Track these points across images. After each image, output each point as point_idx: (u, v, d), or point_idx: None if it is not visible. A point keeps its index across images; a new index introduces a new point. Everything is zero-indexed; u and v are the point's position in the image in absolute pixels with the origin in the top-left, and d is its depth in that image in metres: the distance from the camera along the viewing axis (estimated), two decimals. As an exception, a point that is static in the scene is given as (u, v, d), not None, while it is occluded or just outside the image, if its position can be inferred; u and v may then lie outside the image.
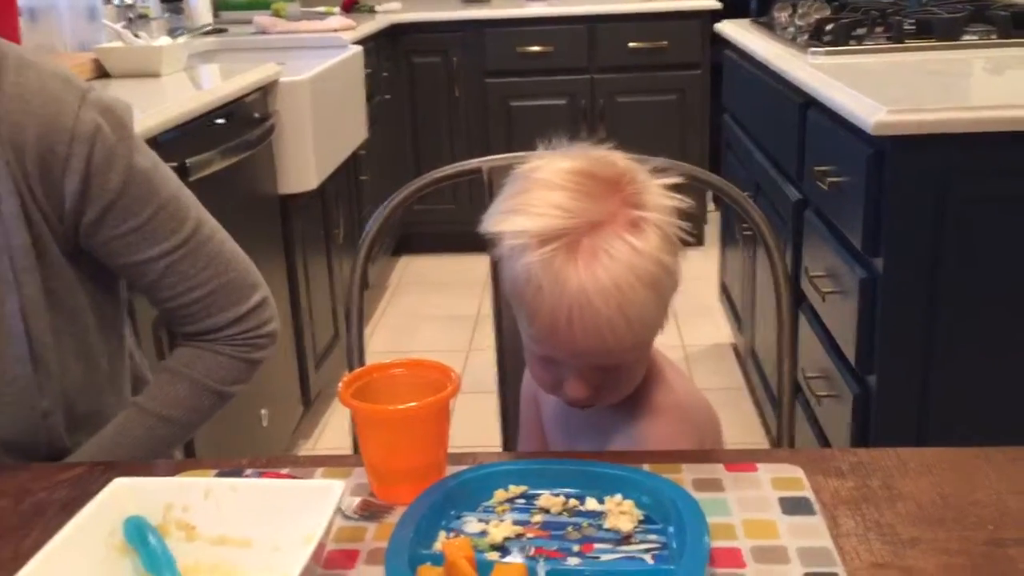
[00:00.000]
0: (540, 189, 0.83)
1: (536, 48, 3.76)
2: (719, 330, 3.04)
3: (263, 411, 2.18)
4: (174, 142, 1.75)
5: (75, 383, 1.04)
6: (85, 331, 1.04)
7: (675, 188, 0.88)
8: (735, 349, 2.93)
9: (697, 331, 3.13)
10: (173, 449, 1.11)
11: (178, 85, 2.21)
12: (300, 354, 2.50)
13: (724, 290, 2.96)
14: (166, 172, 1.05)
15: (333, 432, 2.63)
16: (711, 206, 3.96)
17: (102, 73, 2.26)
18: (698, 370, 2.88)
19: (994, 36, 2.04)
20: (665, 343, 1.00)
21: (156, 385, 1.09)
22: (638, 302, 0.81)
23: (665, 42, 3.70)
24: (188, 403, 1.07)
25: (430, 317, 3.42)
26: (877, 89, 1.58)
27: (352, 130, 2.98)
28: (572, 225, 0.80)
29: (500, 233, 0.84)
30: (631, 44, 3.71)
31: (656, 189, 0.85)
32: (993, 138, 1.43)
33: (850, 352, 1.62)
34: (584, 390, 0.87)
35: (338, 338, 2.79)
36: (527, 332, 0.88)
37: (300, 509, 0.70)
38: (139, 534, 0.70)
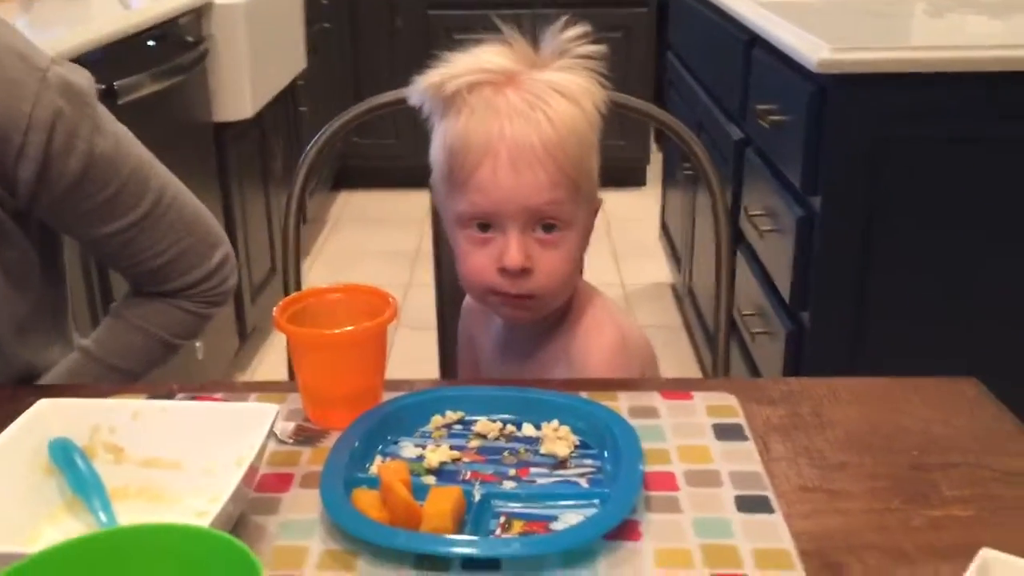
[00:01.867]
0: (467, 54, 0.90)
1: (481, -20, 3.68)
2: (658, 269, 3.07)
3: (198, 344, 2.15)
4: (101, 63, 1.68)
5: (24, 348, 1.01)
6: (33, 294, 1.01)
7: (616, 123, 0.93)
8: (673, 288, 2.97)
9: (637, 270, 3.15)
10: None
11: (105, 4, 2.11)
12: (236, 287, 2.45)
13: (664, 230, 2.98)
14: (128, 146, 0.99)
15: (269, 366, 2.60)
16: (654, 147, 3.96)
17: (25, -11, 2.16)
18: (637, 309, 2.91)
19: (936, -21, 2.06)
20: (604, 281, 1.00)
21: (109, 332, 1.06)
22: (565, 112, 0.86)
23: (612, -22, 3.65)
24: (139, 354, 1.06)
25: (369, 252, 3.39)
26: (821, 27, 1.59)
27: (290, 58, 2.90)
28: (499, 67, 0.87)
29: (432, 83, 0.88)
30: (577, -21, 3.66)
31: (572, 47, 0.90)
32: (933, 79, 1.44)
33: (785, 289, 1.64)
34: (520, 256, 0.86)
35: (275, 272, 2.75)
36: (459, 197, 0.88)
37: (232, 432, 0.69)
38: (65, 455, 0.68)
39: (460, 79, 0.87)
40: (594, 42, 0.90)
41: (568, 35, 0.89)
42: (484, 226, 0.88)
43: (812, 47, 1.47)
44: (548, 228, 0.88)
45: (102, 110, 0.97)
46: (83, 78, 0.95)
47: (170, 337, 1.07)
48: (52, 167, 0.91)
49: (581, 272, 0.98)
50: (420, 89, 0.90)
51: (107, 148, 0.95)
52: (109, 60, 1.72)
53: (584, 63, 0.89)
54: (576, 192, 0.88)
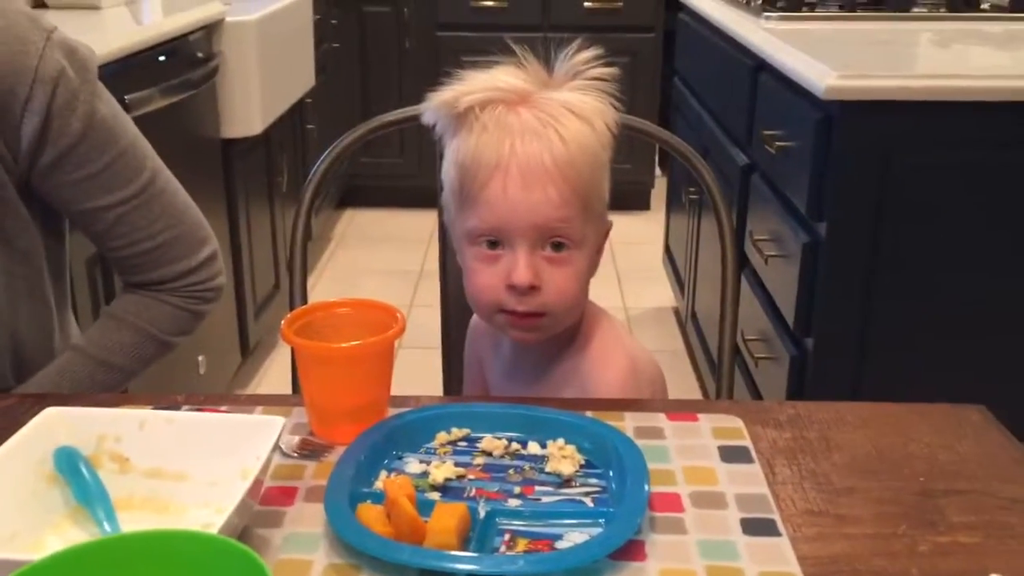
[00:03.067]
0: (481, 73, 0.90)
1: (490, 3, 3.71)
2: (662, 294, 3.07)
3: (200, 358, 2.15)
4: (113, 77, 1.67)
5: (24, 325, 1.01)
6: (37, 273, 1.02)
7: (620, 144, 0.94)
8: (676, 313, 2.96)
9: (640, 294, 3.16)
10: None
11: (118, 19, 2.13)
12: (240, 302, 2.46)
13: (668, 254, 2.98)
14: (125, 121, 1.02)
15: (272, 382, 2.60)
16: (658, 171, 3.97)
17: (38, 3, 2.17)
18: (639, 333, 2.91)
19: (943, 9, 2.07)
20: (607, 304, 1.00)
21: (100, 330, 1.07)
22: (577, 131, 0.86)
23: (620, 3, 3.68)
24: (131, 351, 1.06)
25: (373, 271, 3.39)
26: (828, 55, 1.59)
27: (299, 76, 2.92)
28: (512, 87, 0.88)
29: (445, 99, 0.89)
30: (586, 4, 3.69)
31: (585, 69, 0.90)
32: (938, 107, 1.45)
33: (789, 315, 1.64)
34: (528, 273, 0.86)
35: (278, 288, 2.75)
36: (469, 213, 0.89)
37: (238, 444, 0.69)
38: (70, 464, 0.68)
39: (473, 96, 0.87)
40: (605, 65, 0.91)
41: (581, 57, 0.90)
42: (493, 243, 0.89)
43: (819, 73, 1.48)
44: (557, 246, 0.88)
45: (101, 85, 1.00)
46: (86, 48, 0.99)
47: (160, 333, 1.07)
48: (53, 123, 0.94)
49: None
50: (433, 106, 0.90)
51: (106, 115, 0.99)
52: (120, 74, 1.73)
53: (596, 85, 0.89)
54: (586, 211, 0.88)
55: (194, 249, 1.07)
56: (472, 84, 0.89)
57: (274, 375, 2.62)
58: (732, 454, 0.78)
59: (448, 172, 0.91)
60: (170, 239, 1.05)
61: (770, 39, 1.79)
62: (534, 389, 0.97)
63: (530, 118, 0.86)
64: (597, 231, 0.92)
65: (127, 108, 1.71)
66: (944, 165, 1.48)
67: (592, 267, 0.93)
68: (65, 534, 0.66)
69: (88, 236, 1.05)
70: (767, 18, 1.99)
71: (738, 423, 0.83)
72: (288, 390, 1.14)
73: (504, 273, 0.88)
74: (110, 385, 1.06)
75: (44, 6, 2.17)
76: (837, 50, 1.72)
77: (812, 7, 2.10)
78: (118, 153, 0.99)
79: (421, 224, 3.47)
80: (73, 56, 0.96)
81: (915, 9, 2.08)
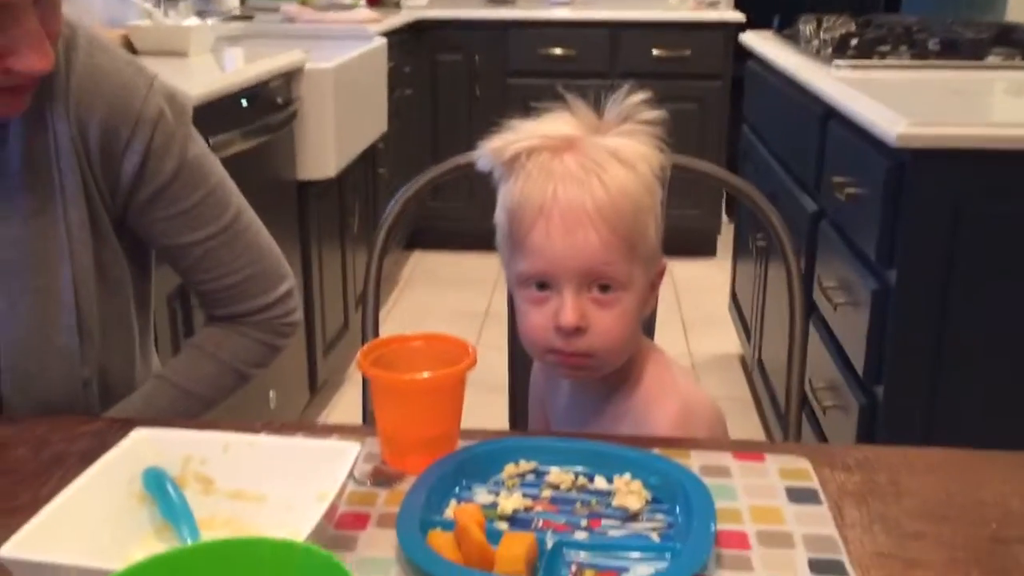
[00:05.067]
0: (530, 122, 0.92)
1: (558, 51, 3.77)
2: (727, 340, 3.05)
3: (271, 393, 2.20)
4: (197, 121, 1.73)
5: (112, 354, 1.07)
6: (125, 303, 1.08)
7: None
8: (742, 360, 2.94)
9: (706, 341, 3.14)
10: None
11: (204, 66, 2.23)
12: (310, 340, 2.51)
13: (735, 300, 2.97)
14: (214, 161, 1.08)
15: (338, 419, 2.64)
16: (725, 218, 3.97)
17: (129, 50, 2.28)
18: (705, 379, 2.89)
19: (1018, 58, 2.05)
20: (672, 351, 1.00)
21: (184, 360, 1.12)
22: (619, 176, 0.87)
23: (688, 51, 3.71)
24: (212, 381, 1.11)
25: (439, 312, 3.44)
26: (899, 103, 1.59)
27: (372, 122, 3.00)
28: (557, 134, 0.90)
29: (493, 148, 0.91)
30: (654, 51, 3.73)
31: (634, 113, 0.91)
32: (1011, 156, 1.44)
33: (859, 363, 1.63)
34: (574, 315, 0.88)
35: (347, 328, 2.81)
36: (518, 257, 0.91)
37: (316, 468, 0.71)
38: (158, 484, 0.71)
39: (519, 144, 0.90)
40: (668, 111, 0.92)
41: (631, 101, 0.91)
42: (542, 285, 0.90)
43: (890, 121, 1.48)
44: (604, 288, 0.89)
45: (194, 128, 1.06)
46: (183, 95, 1.06)
47: (241, 365, 1.12)
48: (150, 163, 1.00)
49: (647, 332, 0.98)
50: (483, 154, 0.93)
51: (198, 155, 1.05)
52: (204, 117, 1.80)
53: (645, 128, 0.91)
54: (631, 253, 0.89)
55: (274, 284, 1.12)
56: (519, 132, 0.91)
57: (340, 412, 2.66)
58: (799, 495, 0.78)
59: (499, 217, 0.93)
60: (252, 274, 1.09)
61: (840, 86, 1.80)
62: (590, 427, 0.98)
63: (574, 165, 0.88)
64: (646, 272, 0.93)
65: (211, 149, 1.79)
66: (1016, 214, 1.46)
67: (642, 307, 0.94)
68: (150, 549, 0.69)
69: (176, 270, 1.10)
70: (837, 66, 2.00)
71: (805, 464, 0.83)
72: (358, 423, 1.17)
73: (552, 314, 0.89)
74: (190, 413, 1.10)
75: (135, 53, 2.28)
76: (908, 98, 1.72)
77: (883, 55, 2.10)
78: (207, 192, 1.05)
79: (487, 266, 3.51)
80: (172, 101, 1.02)
81: (989, 58, 2.07)
